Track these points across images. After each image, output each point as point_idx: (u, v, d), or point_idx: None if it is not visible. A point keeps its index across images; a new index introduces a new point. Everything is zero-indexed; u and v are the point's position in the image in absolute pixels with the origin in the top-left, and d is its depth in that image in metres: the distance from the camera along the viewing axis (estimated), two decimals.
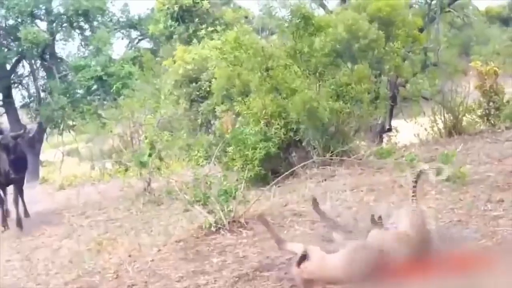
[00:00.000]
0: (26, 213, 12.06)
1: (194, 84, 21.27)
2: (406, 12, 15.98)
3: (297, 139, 12.22)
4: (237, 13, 27.27)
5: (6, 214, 11.74)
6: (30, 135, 14.66)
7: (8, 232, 11.21)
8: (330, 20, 13.33)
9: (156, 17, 27.38)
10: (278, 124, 11.84)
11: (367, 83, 12.72)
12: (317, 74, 12.69)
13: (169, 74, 22.07)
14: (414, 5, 22.12)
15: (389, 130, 16.33)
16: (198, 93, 21.16)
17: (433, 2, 20.32)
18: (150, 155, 11.62)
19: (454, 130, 13.87)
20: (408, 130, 15.33)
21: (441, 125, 14.21)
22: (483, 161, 10.10)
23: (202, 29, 25.28)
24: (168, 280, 6.78)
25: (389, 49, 13.59)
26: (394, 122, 16.91)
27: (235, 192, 8.41)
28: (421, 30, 16.58)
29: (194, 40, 23.97)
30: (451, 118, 14.04)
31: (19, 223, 11.30)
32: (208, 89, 19.71)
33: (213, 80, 16.01)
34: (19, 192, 11.80)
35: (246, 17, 27.28)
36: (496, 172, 9.00)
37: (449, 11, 20.61)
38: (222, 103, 15.83)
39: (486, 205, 7.30)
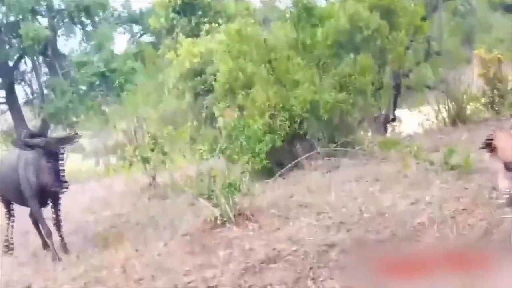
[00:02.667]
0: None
1: (199, 77, 21.22)
2: (407, 1, 15.89)
3: (301, 131, 12.19)
4: (238, 6, 27.20)
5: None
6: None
7: None
8: (332, 10, 13.24)
9: (157, 11, 27.31)
10: (282, 116, 11.79)
11: (371, 73, 12.68)
12: (320, 65, 12.65)
13: (173, 68, 22.00)
14: None
15: (393, 120, 16.27)
16: (203, 86, 21.09)
17: None
18: (153, 149, 11.57)
19: (458, 118, 13.87)
20: (412, 120, 15.32)
21: (445, 114, 14.20)
22: None
23: (204, 22, 25.25)
24: (175, 274, 6.79)
25: (392, 38, 13.53)
26: (398, 112, 16.87)
27: (239, 185, 8.40)
28: (424, 19, 16.47)
29: (202, 33, 23.91)
30: (455, 106, 14.03)
31: (64, 248, 9.00)
32: (213, 82, 19.67)
33: (218, 73, 15.96)
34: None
35: (247, 10, 27.18)
36: None
37: None
38: (225, 97, 15.77)
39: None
